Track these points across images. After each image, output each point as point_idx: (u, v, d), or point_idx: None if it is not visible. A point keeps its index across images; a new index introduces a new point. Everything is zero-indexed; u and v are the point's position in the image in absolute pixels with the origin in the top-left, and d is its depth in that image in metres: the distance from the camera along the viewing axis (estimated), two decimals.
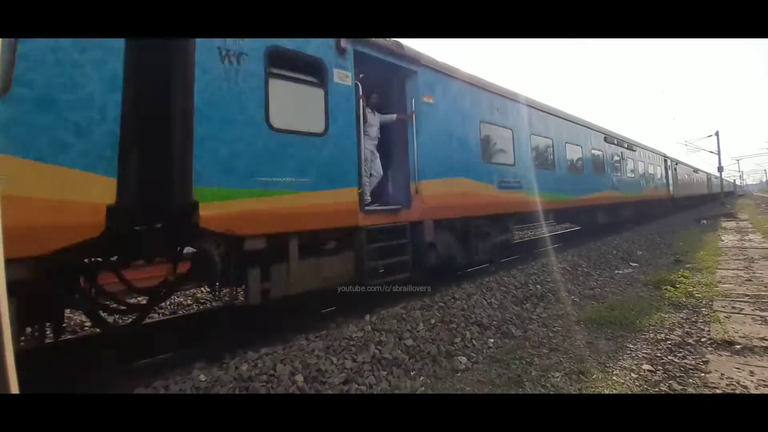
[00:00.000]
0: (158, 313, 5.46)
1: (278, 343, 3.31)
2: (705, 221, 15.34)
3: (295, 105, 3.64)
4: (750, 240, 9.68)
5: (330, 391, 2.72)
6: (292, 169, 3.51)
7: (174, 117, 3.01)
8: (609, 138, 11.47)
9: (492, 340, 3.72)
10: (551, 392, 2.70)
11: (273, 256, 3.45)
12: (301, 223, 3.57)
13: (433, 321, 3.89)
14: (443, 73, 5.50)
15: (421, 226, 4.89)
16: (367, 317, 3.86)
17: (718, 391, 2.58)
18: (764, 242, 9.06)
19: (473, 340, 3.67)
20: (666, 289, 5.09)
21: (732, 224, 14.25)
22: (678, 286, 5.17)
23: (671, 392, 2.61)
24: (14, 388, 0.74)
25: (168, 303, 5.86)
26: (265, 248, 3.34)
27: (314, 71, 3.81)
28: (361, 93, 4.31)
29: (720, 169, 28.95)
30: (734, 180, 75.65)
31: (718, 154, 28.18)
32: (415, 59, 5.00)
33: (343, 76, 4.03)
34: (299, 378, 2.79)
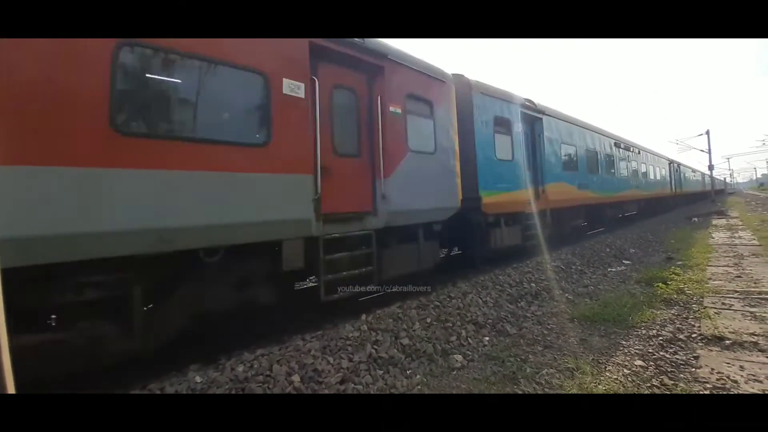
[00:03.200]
0: None
1: (274, 344, 3.31)
2: (696, 219, 15.57)
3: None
4: (740, 237, 9.84)
5: (327, 391, 2.73)
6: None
7: None
8: None
9: (487, 338, 3.75)
10: (546, 389, 2.74)
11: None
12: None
13: (428, 320, 3.91)
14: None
15: None
16: (363, 317, 3.87)
17: (708, 386, 2.62)
18: (753, 239, 9.21)
19: (469, 339, 3.69)
20: (658, 286, 5.16)
21: (723, 222, 14.47)
22: (669, 283, 5.25)
23: (664, 392, 2.65)
24: (11, 388, 0.75)
25: None
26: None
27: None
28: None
29: (710, 167, 29.35)
30: (724, 178, 76.58)
31: (709, 152, 28.57)
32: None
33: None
34: (296, 378, 2.79)
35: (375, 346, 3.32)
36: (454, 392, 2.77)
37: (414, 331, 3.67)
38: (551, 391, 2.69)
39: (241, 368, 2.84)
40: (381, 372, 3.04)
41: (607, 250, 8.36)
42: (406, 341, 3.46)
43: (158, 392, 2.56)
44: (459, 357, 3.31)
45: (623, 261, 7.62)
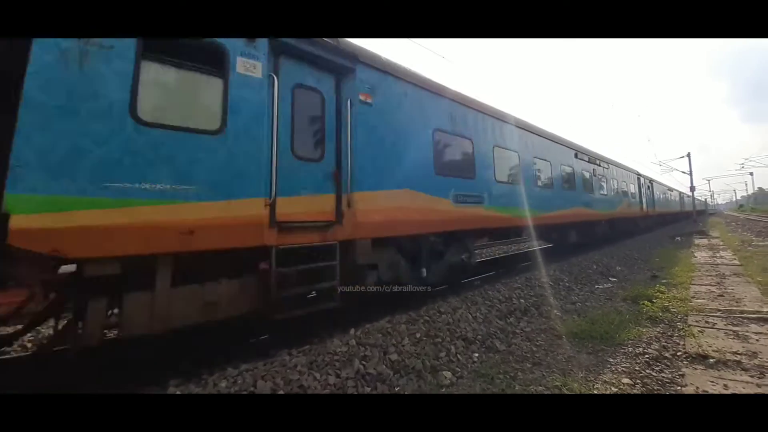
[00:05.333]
0: None
1: (259, 359, 3.23)
2: (679, 238, 15.97)
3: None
4: (721, 257, 10.09)
5: None
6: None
7: None
8: None
9: (477, 355, 3.73)
10: None
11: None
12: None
13: (418, 335, 3.88)
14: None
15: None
16: (352, 331, 3.82)
17: None
18: (734, 259, 9.46)
19: (458, 355, 3.66)
20: (643, 303, 5.23)
21: (704, 241, 14.86)
22: (655, 301, 5.32)
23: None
24: None
25: None
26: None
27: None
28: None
29: (692, 188, 30.32)
30: (705, 199, 79.35)
31: (690, 174, 29.56)
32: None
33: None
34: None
35: (363, 362, 3.26)
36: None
37: (403, 346, 3.62)
38: None
39: (224, 383, 2.75)
40: (369, 389, 2.98)
41: (594, 267, 8.48)
42: (395, 357, 3.41)
43: None
44: (448, 374, 3.27)
45: (610, 278, 7.72)
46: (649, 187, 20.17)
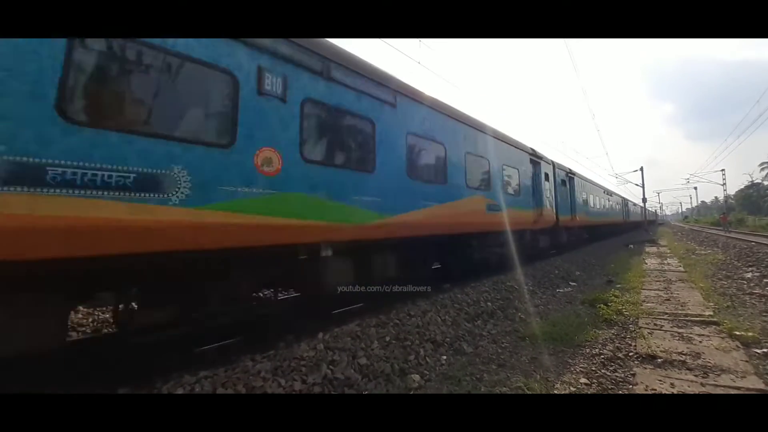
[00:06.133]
0: (74, 332, 4.83)
1: (220, 365, 3.06)
2: (632, 246, 17.13)
3: None
4: (668, 264, 10.92)
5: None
6: None
7: None
8: None
9: (445, 357, 3.76)
10: None
11: None
12: None
13: (387, 338, 3.86)
14: None
15: None
16: (320, 335, 3.73)
17: None
18: (680, 266, 10.27)
19: (427, 358, 3.67)
20: (600, 307, 5.53)
21: (654, 249, 16.03)
22: (610, 304, 5.64)
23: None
24: None
25: (88, 320, 5.23)
26: None
27: None
28: None
29: (644, 200, 32.67)
30: (655, 210, 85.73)
31: (642, 186, 31.85)
32: None
33: None
34: None
35: (331, 367, 3.19)
36: None
37: (372, 350, 3.59)
38: None
39: (180, 392, 2.58)
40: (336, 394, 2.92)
41: (556, 272, 8.87)
42: (363, 361, 3.37)
43: None
44: (416, 377, 3.27)
45: (570, 282, 8.11)
46: (564, 182, 12.55)
